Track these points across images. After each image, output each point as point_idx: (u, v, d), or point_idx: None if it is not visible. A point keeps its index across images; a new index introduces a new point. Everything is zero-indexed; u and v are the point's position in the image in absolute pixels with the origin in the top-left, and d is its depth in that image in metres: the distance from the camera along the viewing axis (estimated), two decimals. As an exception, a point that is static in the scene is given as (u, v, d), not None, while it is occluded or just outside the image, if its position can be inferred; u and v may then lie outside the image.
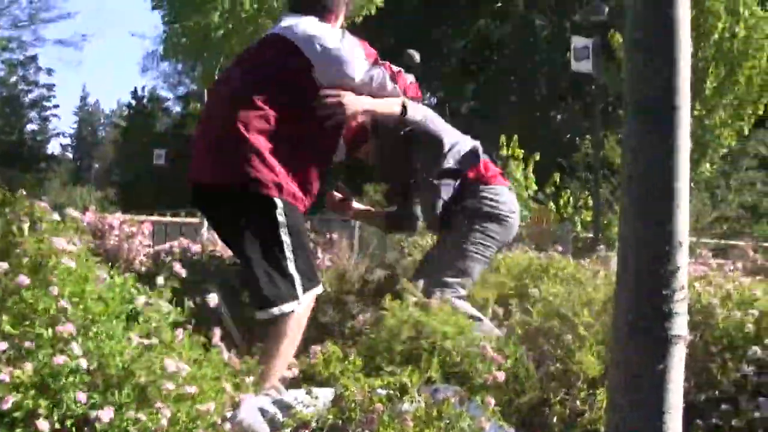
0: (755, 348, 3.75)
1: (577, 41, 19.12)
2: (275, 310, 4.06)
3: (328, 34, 4.40)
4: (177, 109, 67.28)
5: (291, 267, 4.14)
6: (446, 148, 5.20)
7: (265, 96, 4.22)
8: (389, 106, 4.65)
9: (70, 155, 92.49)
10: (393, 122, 4.81)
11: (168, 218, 19.64)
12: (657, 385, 2.67)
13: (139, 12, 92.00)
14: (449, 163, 5.18)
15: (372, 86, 4.48)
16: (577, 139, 36.31)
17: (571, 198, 21.70)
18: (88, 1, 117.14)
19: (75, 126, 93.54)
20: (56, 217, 3.27)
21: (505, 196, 5.27)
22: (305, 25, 4.41)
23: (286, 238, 4.15)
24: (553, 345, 4.04)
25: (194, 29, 13.97)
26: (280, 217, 4.14)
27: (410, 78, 4.76)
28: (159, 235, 12.28)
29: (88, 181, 66.83)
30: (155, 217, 17.31)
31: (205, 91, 14.46)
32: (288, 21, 4.51)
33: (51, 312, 2.77)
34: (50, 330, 2.73)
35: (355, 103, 4.39)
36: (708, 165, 17.98)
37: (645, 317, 2.68)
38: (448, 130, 5.34)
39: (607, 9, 18.79)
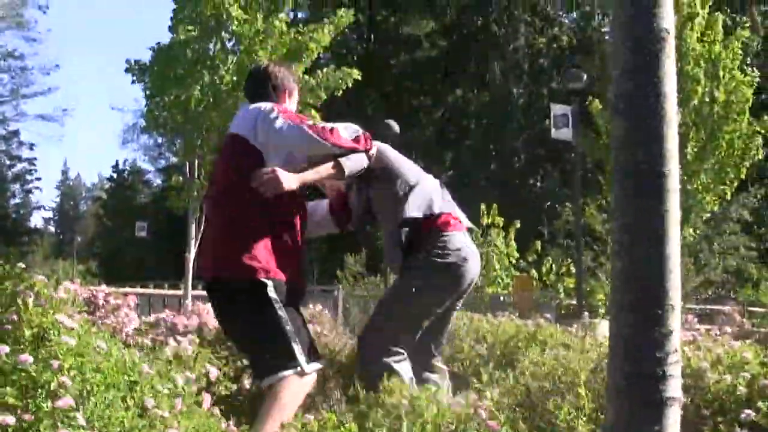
0: (748, 411, 3.74)
1: (556, 109, 19.14)
2: (280, 374, 4.27)
3: (261, 108, 4.61)
4: (158, 181, 67.58)
5: (290, 338, 4.37)
6: (405, 189, 5.13)
7: (234, 193, 4.55)
8: (323, 172, 4.73)
9: (53, 229, 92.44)
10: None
11: (151, 290, 19.68)
12: (653, 448, 2.68)
13: (119, 86, 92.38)
14: (409, 204, 5.10)
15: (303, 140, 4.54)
16: (557, 206, 36.53)
17: (553, 265, 21.77)
18: (68, 75, 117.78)
19: (57, 200, 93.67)
20: (53, 291, 3.30)
21: (458, 243, 5.11)
22: (245, 113, 4.72)
23: (281, 313, 4.40)
24: (544, 409, 4.02)
25: (175, 103, 14.03)
26: (272, 294, 4.40)
27: (353, 130, 4.79)
28: (143, 307, 12.29)
29: (71, 254, 66.62)
30: (139, 289, 17.33)
31: (187, 163, 14.56)
32: (238, 112, 4.90)
33: (52, 386, 2.77)
34: (50, 402, 2.73)
35: (286, 179, 4.50)
36: (691, 230, 17.91)
37: (639, 380, 2.69)
38: (412, 169, 5.27)
39: (585, 76, 18.90)
